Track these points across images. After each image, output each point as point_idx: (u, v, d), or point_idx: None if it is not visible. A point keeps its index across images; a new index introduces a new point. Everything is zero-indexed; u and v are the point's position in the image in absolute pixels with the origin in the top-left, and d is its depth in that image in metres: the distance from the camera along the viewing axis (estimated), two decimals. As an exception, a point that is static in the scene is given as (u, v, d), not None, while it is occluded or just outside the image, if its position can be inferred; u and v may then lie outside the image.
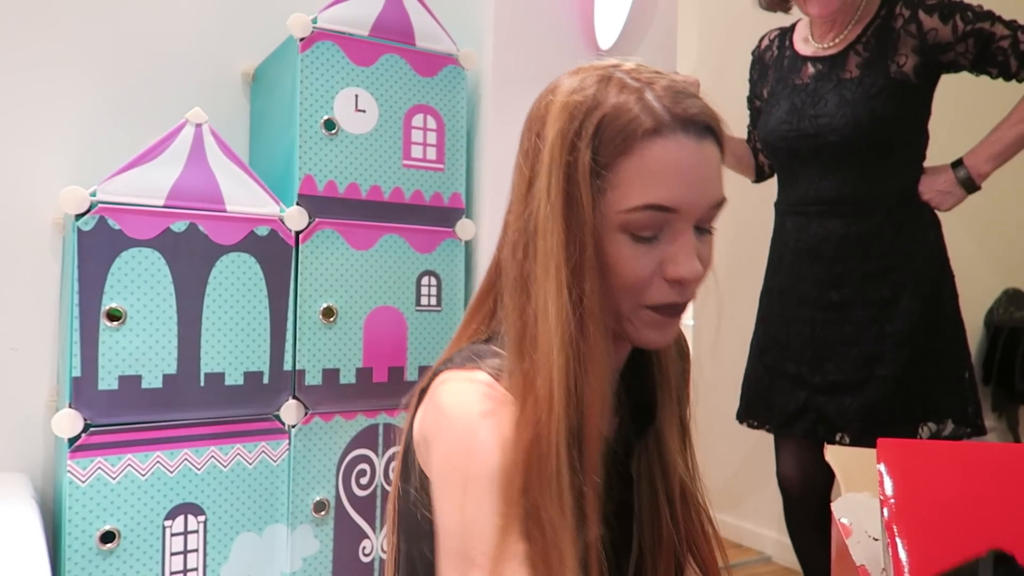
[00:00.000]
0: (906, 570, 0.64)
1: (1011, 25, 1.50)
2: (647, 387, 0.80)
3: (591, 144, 0.66)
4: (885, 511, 0.69)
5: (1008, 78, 1.54)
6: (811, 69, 1.64)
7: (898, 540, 0.66)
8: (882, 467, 0.74)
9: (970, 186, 1.58)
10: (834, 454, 1.03)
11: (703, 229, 0.71)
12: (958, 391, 1.57)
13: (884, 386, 1.55)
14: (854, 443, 1.52)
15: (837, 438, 1.59)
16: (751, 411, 1.77)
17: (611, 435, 0.77)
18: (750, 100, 1.88)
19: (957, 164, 1.58)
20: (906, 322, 1.56)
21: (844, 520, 0.85)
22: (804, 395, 1.63)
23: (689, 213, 0.67)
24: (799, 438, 1.66)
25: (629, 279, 0.68)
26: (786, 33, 1.76)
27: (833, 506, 0.90)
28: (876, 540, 0.78)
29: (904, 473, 0.73)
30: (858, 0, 1.60)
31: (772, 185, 2.53)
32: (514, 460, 0.62)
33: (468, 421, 0.66)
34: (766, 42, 1.80)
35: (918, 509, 0.70)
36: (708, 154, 0.68)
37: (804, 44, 1.69)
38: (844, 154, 1.56)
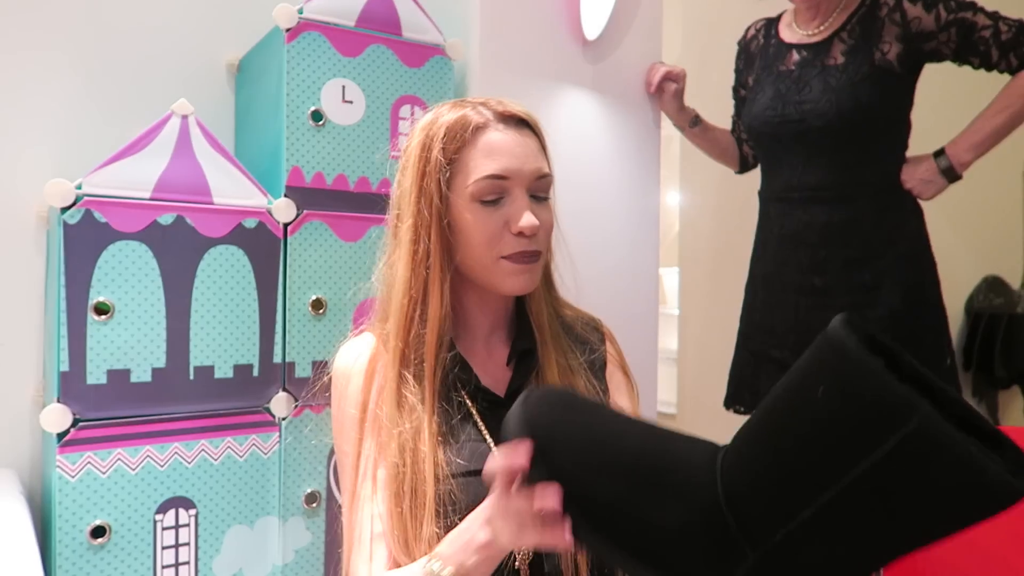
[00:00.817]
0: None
1: (993, 16, 1.52)
2: (530, 334, 0.98)
3: (439, 145, 0.91)
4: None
5: (989, 68, 1.56)
6: (796, 56, 1.66)
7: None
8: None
9: (951, 175, 1.60)
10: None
11: (539, 198, 0.93)
12: (939, 377, 1.59)
13: None
14: None
15: None
16: (738, 397, 1.79)
17: (502, 384, 0.97)
18: (735, 90, 1.90)
19: (939, 153, 1.61)
20: (887, 308, 1.58)
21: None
22: None
23: (519, 180, 0.91)
24: None
25: (484, 235, 0.90)
26: (772, 23, 1.78)
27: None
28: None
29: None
30: None
31: (756, 177, 2.54)
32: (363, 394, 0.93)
33: (334, 376, 0.97)
34: (752, 31, 1.82)
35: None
36: (526, 139, 0.93)
37: (789, 31, 1.71)
38: (828, 140, 1.58)
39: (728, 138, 1.94)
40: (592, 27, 1.73)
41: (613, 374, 1.05)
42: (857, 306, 1.59)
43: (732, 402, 1.82)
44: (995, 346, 2.93)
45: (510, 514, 0.68)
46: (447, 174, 0.91)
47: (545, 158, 0.96)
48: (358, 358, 0.96)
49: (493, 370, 0.98)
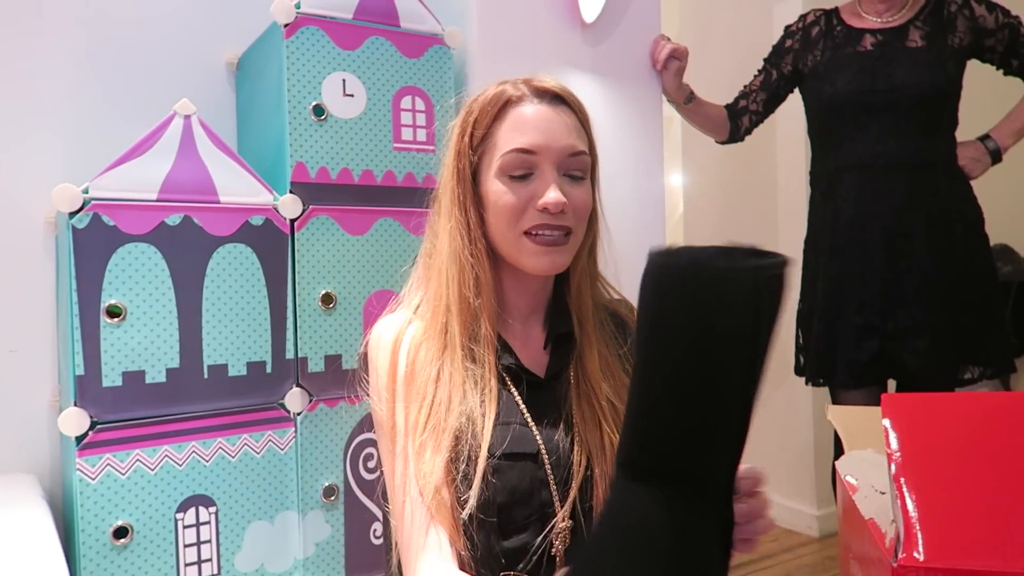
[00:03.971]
0: (915, 519, 0.65)
1: None
2: (567, 319, 0.97)
3: (474, 119, 0.91)
4: (892, 465, 0.71)
5: (1021, 71, 1.80)
6: (871, 39, 1.80)
7: (906, 492, 0.68)
8: (887, 422, 0.75)
9: (996, 156, 1.81)
10: (836, 414, 1.05)
11: (574, 176, 0.91)
12: (1001, 333, 1.77)
13: (950, 329, 1.71)
14: (922, 387, 1.70)
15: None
16: (820, 371, 1.85)
17: (542, 367, 0.95)
18: (772, 64, 1.98)
19: (985, 137, 1.82)
20: (966, 270, 1.73)
21: (849, 478, 0.87)
22: (876, 344, 1.74)
23: (547, 156, 0.88)
24: (870, 388, 1.78)
25: (508, 208, 0.88)
26: (831, 13, 1.90)
27: (837, 464, 0.91)
28: (883, 494, 0.79)
29: (909, 427, 0.74)
30: None
31: (757, 154, 2.54)
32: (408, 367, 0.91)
33: (369, 350, 0.95)
34: (811, 17, 1.93)
35: (924, 460, 0.71)
36: (561, 115, 0.91)
37: (856, 19, 1.85)
38: (916, 109, 1.73)
39: (719, 112, 2.01)
40: (590, 10, 1.73)
41: None
42: (938, 268, 1.71)
43: (814, 375, 1.87)
44: (1004, 313, 2.92)
45: None
46: (481, 149, 0.91)
47: (583, 136, 0.93)
48: (395, 329, 0.94)
49: (531, 353, 0.96)
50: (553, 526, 0.86)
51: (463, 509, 0.83)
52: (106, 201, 1.24)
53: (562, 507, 0.87)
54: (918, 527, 0.65)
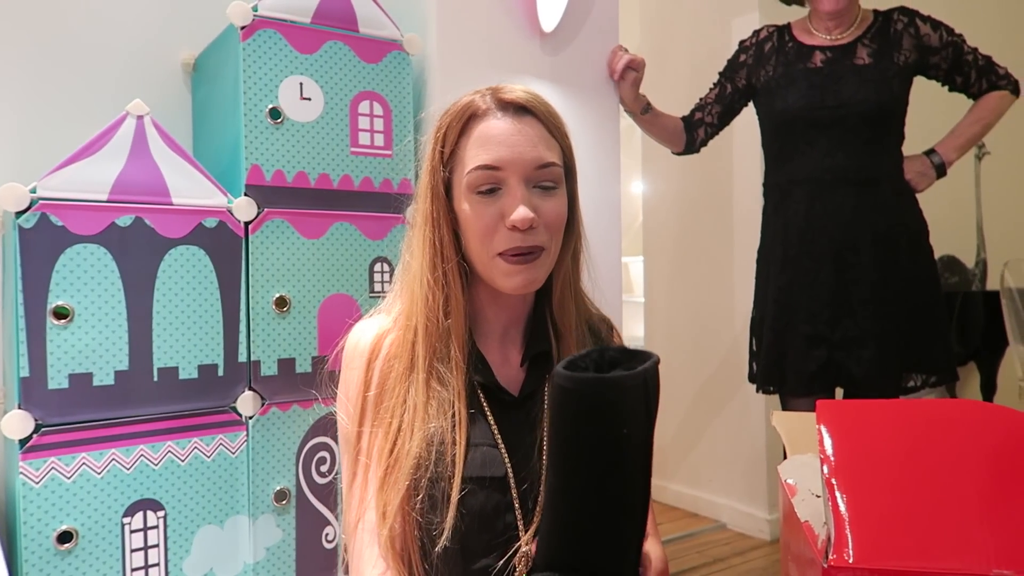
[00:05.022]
0: (846, 521, 0.67)
1: (972, 47, 1.85)
2: (545, 337, 0.95)
3: (443, 137, 0.90)
4: (825, 468, 0.73)
5: (967, 87, 1.87)
6: (821, 56, 1.84)
7: (838, 494, 0.70)
8: (822, 427, 0.77)
9: (941, 170, 1.87)
10: (780, 420, 1.08)
11: (545, 187, 0.88)
12: (944, 342, 1.82)
13: (894, 339, 1.76)
14: (867, 395, 1.75)
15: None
16: (770, 378, 1.89)
17: (516, 385, 0.94)
18: (727, 78, 2.02)
19: (931, 152, 1.87)
20: (910, 280, 1.78)
21: (789, 480, 0.89)
22: (824, 353, 1.78)
23: (514, 170, 0.86)
24: (818, 396, 1.81)
25: (479, 229, 0.87)
26: (783, 29, 1.95)
27: (779, 468, 0.94)
28: (818, 497, 0.82)
29: (843, 431, 0.77)
30: (856, 7, 1.85)
31: (715, 165, 2.59)
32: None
33: (343, 358, 0.95)
34: (765, 33, 1.97)
35: (856, 464, 0.73)
36: (526, 126, 0.88)
37: (808, 36, 1.90)
38: (863, 125, 1.78)
39: (675, 123, 2.05)
40: (548, 19, 1.75)
41: None
42: (883, 279, 1.77)
43: (764, 382, 1.91)
44: (951, 323, 3.01)
45: None
46: (451, 164, 0.90)
47: (554, 146, 0.90)
48: (371, 337, 0.93)
49: (509, 370, 0.95)
50: (516, 550, 0.86)
51: (430, 539, 0.83)
52: (54, 201, 1.22)
53: (526, 531, 0.87)
54: (848, 529, 0.67)
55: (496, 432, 0.90)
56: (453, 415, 0.87)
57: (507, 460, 0.88)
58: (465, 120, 0.89)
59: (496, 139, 0.87)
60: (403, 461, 0.85)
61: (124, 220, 1.28)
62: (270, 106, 1.43)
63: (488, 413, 0.90)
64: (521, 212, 0.84)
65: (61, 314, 1.22)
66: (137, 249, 1.29)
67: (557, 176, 0.89)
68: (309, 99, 1.48)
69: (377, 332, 0.93)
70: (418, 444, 0.85)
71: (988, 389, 2.95)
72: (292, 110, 1.46)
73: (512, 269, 0.87)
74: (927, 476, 0.71)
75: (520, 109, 0.89)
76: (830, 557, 0.64)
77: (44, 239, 1.21)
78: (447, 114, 0.91)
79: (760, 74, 1.93)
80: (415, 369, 0.89)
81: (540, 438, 0.90)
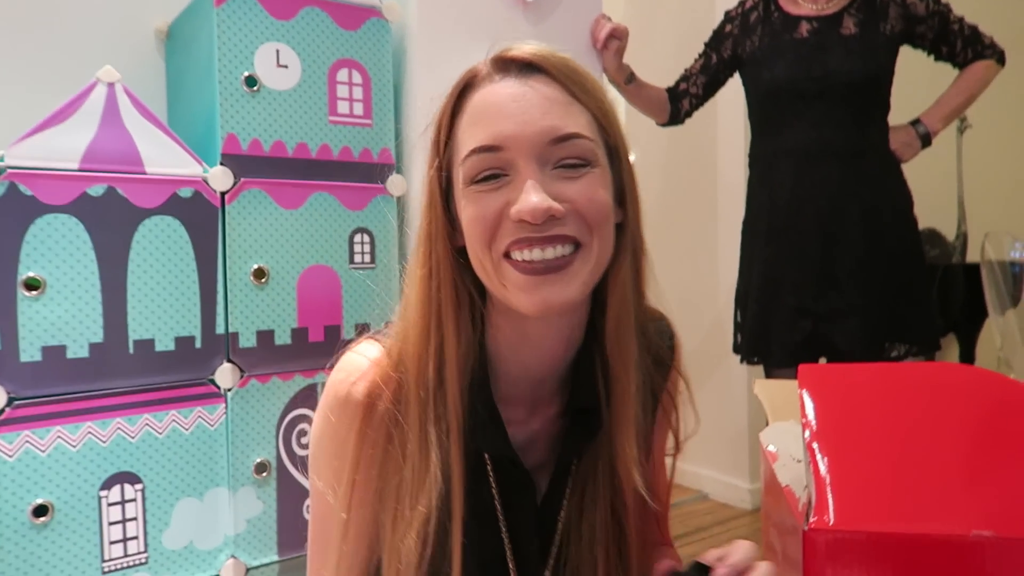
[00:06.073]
0: (827, 485, 0.67)
1: (959, 16, 1.83)
2: (591, 389, 0.72)
3: (439, 121, 0.69)
4: (806, 432, 0.73)
5: (953, 57, 1.85)
6: (807, 26, 1.82)
7: (819, 458, 0.70)
8: (804, 392, 0.77)
9: (926, 140, 1.86)
10: (762, 387, 1.07)
11: (570, 165, 0.65)
12: (928, 314, 1.83)
13: (879, 310, 1.76)
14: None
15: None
16: (755, 349, 1.89)
17: (543, 448, 0.74)
18: (712, 48, 2.00)
19: (916, 122, 1.86)
20: (895, 253, 1.78)
21: (771, 447, 0.89)
22: (809, 325, 1.78)
23: (519, 148, 0.63)
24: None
25: (475, 224, 0.65)
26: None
27: (761, 435, 0.93)
28: (799, 462, 0.81)
29: (824, 396, 0.76)
30: None
31: (699, 135, 2.57)
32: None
33: (325, 402, 0.71)
34: (750, 3, 1.95)
35: (838, 428, 0.73)
36: (535, 87, 0.65)
37: (793, 5, 1.87)
38: (850, 96, 1.76)
39: (659, 94, 2.03)
40: (531, -14, 1.72)
41: (663, 417, 0.81)
42: (869, 251, 1.76)
43: (748, 354, 1.92)
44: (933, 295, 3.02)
45: None
46: (447, 157, 0.69)
47: (578, 111, 0.66)
48: (364, 390, 0.69)
49: (536, 423, 0.74)
50: None
51: None
52: (23, 170, 1.19)
53: None
54: (829, 492, 0.67)
55: (501, 516, 0.71)
56: (443, 504, 0.66)
57: (511, 565, 0.71)
58: (459, 93, 0.68)
59: (493, 110, 0.65)
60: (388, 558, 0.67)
61: (96, 190, 1.25)
62: (246, 74, 1.40)
63: (495, 493, 0.70)
64: (528, 201, 0.61)
65: (32, 285, 1.20)
66: (110, 219, 1.26)
67: (586, 151, 0.65)
68: (286, 66, 1.45)
69: (371, 383, 0.69)
70: (415, 529, 0.66)
71: (967, 360, 2.98)
72: (268, 78, 1.43)
73: (525, 280, 0.64)
74: (909, 439, 0.71)
75: (527, 67, 0.66)
76: (810, 520, 0.64)
77: (13, 209, 1.19)
78: (449, 89, 0.70)
79: (746, 45, 1.92)
80: (406, 434, 0.68)
81: (566, 530, 0.73)
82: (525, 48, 0.67)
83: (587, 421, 0.71)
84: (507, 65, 0.67)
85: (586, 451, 0.72)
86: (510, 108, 0.64)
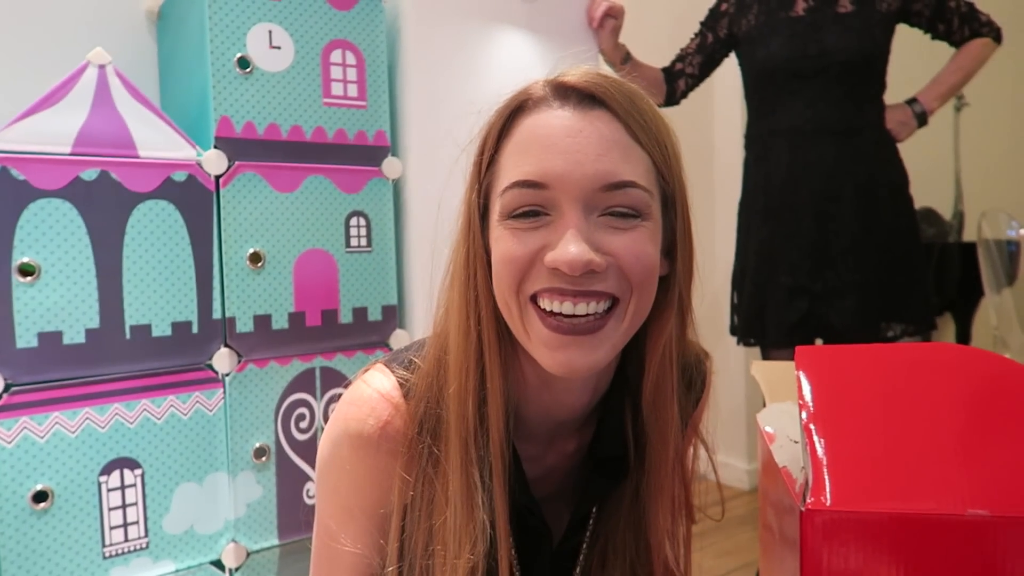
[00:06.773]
0: (824, 465, 0.67)
1: None
2: (618, 439, 0.68)
3: (484, 140, 0.64)
4: (803, 413, 0.73)
5: (950, 35, 1.83)
6: (803, 4, 1.81)
7: (816, 439, 0.70)
8: (801, 373, 0.77)
9: (923, 119, 1.85)
10: (759, 368, 1.08)
11: (620, 214, 0.59)
12: (924, 293, 1.82)
13: (875, 289, 1.76)
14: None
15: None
16: (750, 330, 1.90)
17: (565, 499, 0.70)
18: (708, 27, 1.99)
19: (912, 101, 1.84)
20: (891, 231, 1.78)
21: (768, 428, 0.89)
22: (805, 304, 1.78)
23: (565, 190, 0.58)
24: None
25: (506, 266, 0.60)
26: None
27: (758, 416, 0.93)
28: (796, 443, 0.81)
29: (821, 376, 0.76)
30: None
31: (693, 115, 2.54)
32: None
33: (335, 432, 0.68)
34: None
35: (835, 409, 0.73)
36: (594, 123, 0.59)
37: None
38: (846, 74, 1.76)
39: (655, 74, 2.02)
40: (526, -35, 1.70)
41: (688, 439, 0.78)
42: (865, 230, 1.76)
43: (745, 334, 1.92)
44: (929, 274, 3.03)
45: None
46: (488, 179, 0.64)
47: (638, 156, 0.61)
48: (377, 424, 0.66)
49: (549, 463, 0.70)
50: None
51: None
52: (14, 154, 1.18)
53: None
54: (826, 472, 0.67)
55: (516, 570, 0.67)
56: (490, 551, 0.62)
57: None
58: (510, 113, 0.62)
59: (544, 141, 0.59)
60: None
61: (89, 174, 1.24)
62: (238, 55, 1.38)
63: (511, 543, 0.66)
64: (567, 251, 0.56)
65: (27, 271, 1.19)
66: (104, 203, 1.25)
67: (639, 202, 0.60)
68: (279, 48, 1.43)
69: (387, 417, 0.66)
70: None
71: (963, 339, 2.98)
72: (261, 59, 1.41)
73: (552, 338, 0.59)
74: (905, 419, 0.71)
75: (587, 99, 0.60)
76: (807, 500, 0.64)
77: (6, 193, 1.18)
78: (498, 107, 0.64)
79: (742, 23, 1.90)
80: (446, 475, 0.64)
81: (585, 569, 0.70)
82: (588, 76, 0.62)
83: (611, 468, 0.68)
84: (566, 92, 0.61)
85: (609, 497, 0.69)
86: (563, 143, 0.58)
